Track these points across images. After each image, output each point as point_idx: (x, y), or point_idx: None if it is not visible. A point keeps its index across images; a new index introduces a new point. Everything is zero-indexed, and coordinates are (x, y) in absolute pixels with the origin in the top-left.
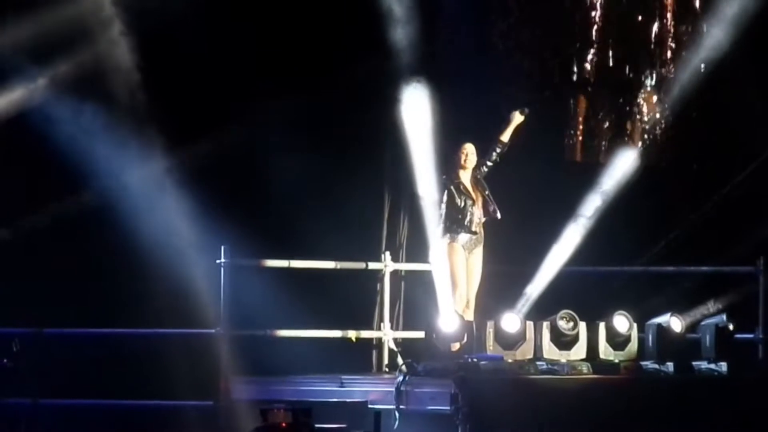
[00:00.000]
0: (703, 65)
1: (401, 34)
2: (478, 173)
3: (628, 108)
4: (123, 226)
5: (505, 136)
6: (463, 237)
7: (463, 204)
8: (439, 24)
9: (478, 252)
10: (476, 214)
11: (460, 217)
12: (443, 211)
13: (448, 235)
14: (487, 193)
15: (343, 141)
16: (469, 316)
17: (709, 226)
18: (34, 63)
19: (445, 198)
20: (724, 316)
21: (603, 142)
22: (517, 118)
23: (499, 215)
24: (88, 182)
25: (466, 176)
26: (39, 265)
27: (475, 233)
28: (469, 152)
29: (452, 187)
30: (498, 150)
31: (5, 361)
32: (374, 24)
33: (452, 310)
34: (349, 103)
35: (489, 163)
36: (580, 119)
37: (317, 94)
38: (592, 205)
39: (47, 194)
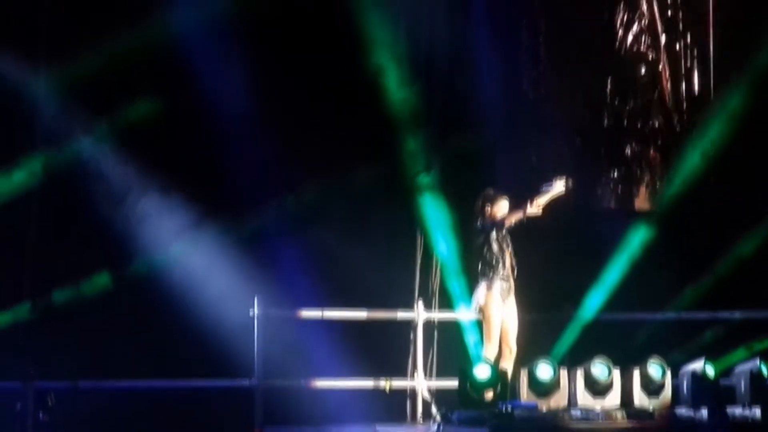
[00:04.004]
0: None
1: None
2: (506, 226)
3: (659, 155)
4: (157, 279)
5: (542, 200)
6: (498, 284)
7: (499, 251)
8: (473, 75)
9: (512, 300)
10: (509, 263)
11: (494, 263)
12: (481, 257)
13: (484, 282)
14: (510, 249)
15: (375, 191)
16: (510, 363)
17: (743, 270)
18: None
19: (482, 245)
20: (758, 362)
21: (636, 189)
22: (559, 187)
23: (515, 275)
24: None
25: (500, 225)
26: (75, 319)
27: (505, 281)
28: (502, 206)
29: (490, 234)
30: (531, 212)
31: (41, 415)
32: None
33: (486, 358)
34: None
35: (516, 220)
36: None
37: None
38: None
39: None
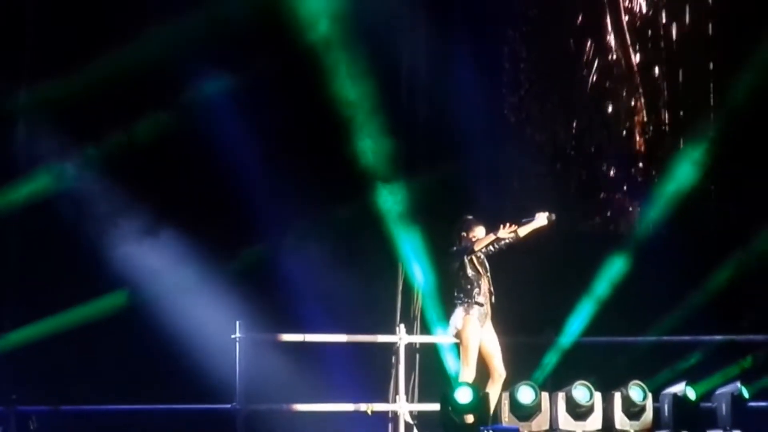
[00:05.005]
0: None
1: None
2: (477, 249)
3: (640, 179)
4: (140, 304)
5: (523, 232)
6: (475, 309)
7: (475, 276)
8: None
9: (489, 325)
10: (484, 288)
11: (469, 288)
12: (457, 283)
13: (461, 307)
14: (488, 274)
15: (356, 218)
16: (499, 387)
17: (724, 295)
18: None
19: (457, 270)
20: (739, 385)
21: (611, 213)
22: (542, 220)
23: (492, 299)
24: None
25: (473, 251)
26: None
27: (482, 305)
28: (478, 233)
29: (465, 260)
30: (510, 242)
31: None
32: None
33: (466, 381)
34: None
35: (495, 248)
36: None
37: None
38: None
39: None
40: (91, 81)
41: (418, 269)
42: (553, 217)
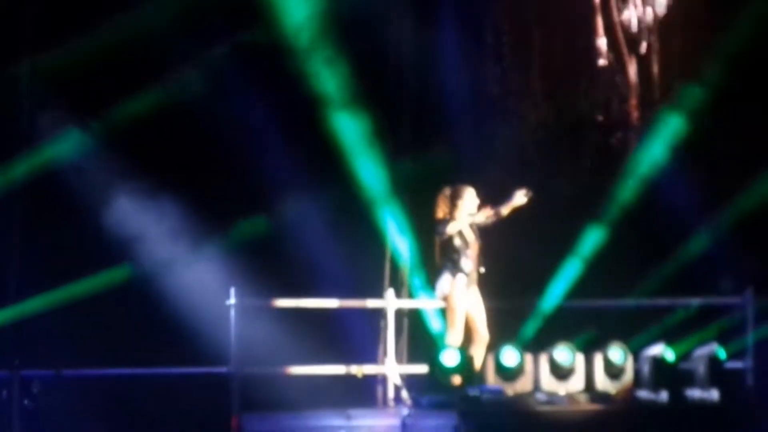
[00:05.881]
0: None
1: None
2: (473, 223)
3: (618, 146)
4: (139, 276)
5: (504, 211)
6: (460, 276)
7: (462, 245)
8: (437, 72)
9: (474, 290)
10: (471, 257)
11: (455, 257)
12: (443, 251)
13: (447, 272)
14: (480, 243)
15: (347, 184)
16: (483, 349)
17: (701, 258)
18: None
19: (444, 238)
20: (715, 346)
21: (599, 178)
22: (520, 199)
23: (482, 270)
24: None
25: (462, 219)
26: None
27: (470, 273)
28: (469, 196)
29: (451, 228)
30: (493, 220)
31: (26, 402)
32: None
33: (452, 345)
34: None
35: (480, 223)
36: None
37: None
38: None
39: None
40: (92, 52)
41: (402, 241)
42: (530, 194)
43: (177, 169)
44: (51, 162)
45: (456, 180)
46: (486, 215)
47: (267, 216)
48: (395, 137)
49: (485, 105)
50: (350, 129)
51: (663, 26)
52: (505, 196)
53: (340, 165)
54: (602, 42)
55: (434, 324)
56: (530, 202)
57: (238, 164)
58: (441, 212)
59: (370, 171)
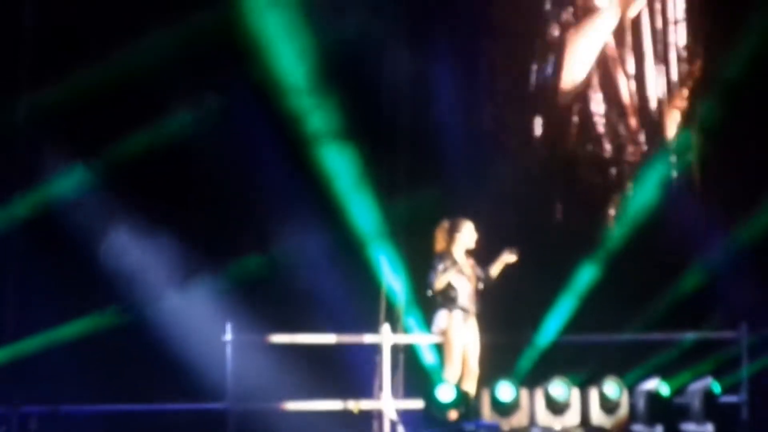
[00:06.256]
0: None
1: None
2: (473, 265)
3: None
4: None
5: (494, 272)
6: (458, 312)
7: (457, 283)
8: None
9: (472, 323)
10: (468, 291)
11: (453, 295)
12: (436, 287)
13: (445, 308)
14: (473, 276)
15: (342, 221)
16: (472, 384)
17: (695, 293)
18: None
19: (439, 275)
20: (710, 381)
21: (593, 215)
22: (507, 258)
23: (481, 286)
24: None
25: (460, 254)
26: (55, 347)
27: (466, 310)
28: (469, 230)
29: (448, 263)
30: (486, 284)
31: None
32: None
33: (449, 380)
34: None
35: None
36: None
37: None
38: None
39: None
40: (89, 88)
41: (397, 279)
42: (517, 252)
43: (173, 206)
44: (50, 199)
45: (452, 215)
46: (477, 277)
47: (263, 253)
48: (390, 173)
49: (480, 141)
50: (344, 166)
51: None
52: (497, 236)
53: (334, 202)
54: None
55: (430, 359)
56: (518, 260)
57: (234, 201)
58: (439, 246)
59: (364, 208)
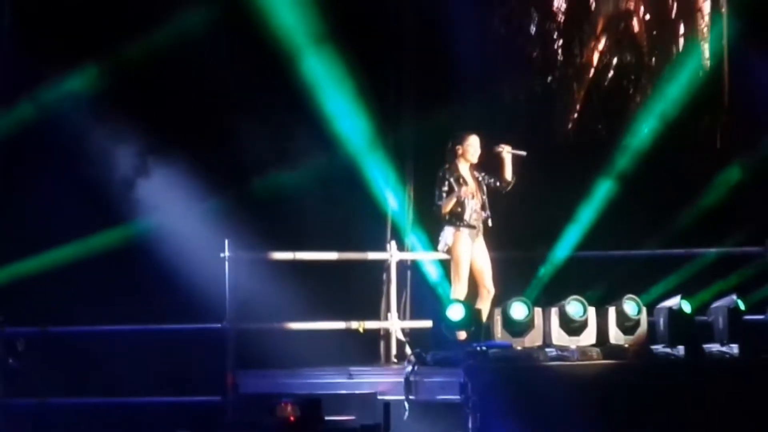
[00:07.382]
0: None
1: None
2: (481, 177)
3: (631, 90)
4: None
5: (507, 173)
6: (465, 228)
7: (465, 200)
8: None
9: (481, 241)
10: (475, 208)
11: (459, 210)
12: (443, 211)
13: (452, 225)
14: (484, 197)
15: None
16: (488, 303)
17: (718, 208)
18: None
19: (445, 189)
20: (735, 297)
21: (602, 125)
22: (511, 151)
23: (490, 223)
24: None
25: (465, 169)
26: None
27: (473, 227)
28: (472, 144)
29: (452, 180)
30: (505, 187)
31: (11, 361)
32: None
33: (457, 298)
34: None
35: (495, 186)
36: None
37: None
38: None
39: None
40: None
41: (401, 198)
42: (510, 145)
43: (178, 125)
44: (48, 112)
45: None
46: (490, 186)
47: (266, 176)
48: (398, 87)
49: (492, 47)
50: (349, 81)
51: None
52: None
53: (337, 121)
54: None
55: (438, 277)
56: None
57: (235, 125)
58: (448, 159)
59: (366, 124)
